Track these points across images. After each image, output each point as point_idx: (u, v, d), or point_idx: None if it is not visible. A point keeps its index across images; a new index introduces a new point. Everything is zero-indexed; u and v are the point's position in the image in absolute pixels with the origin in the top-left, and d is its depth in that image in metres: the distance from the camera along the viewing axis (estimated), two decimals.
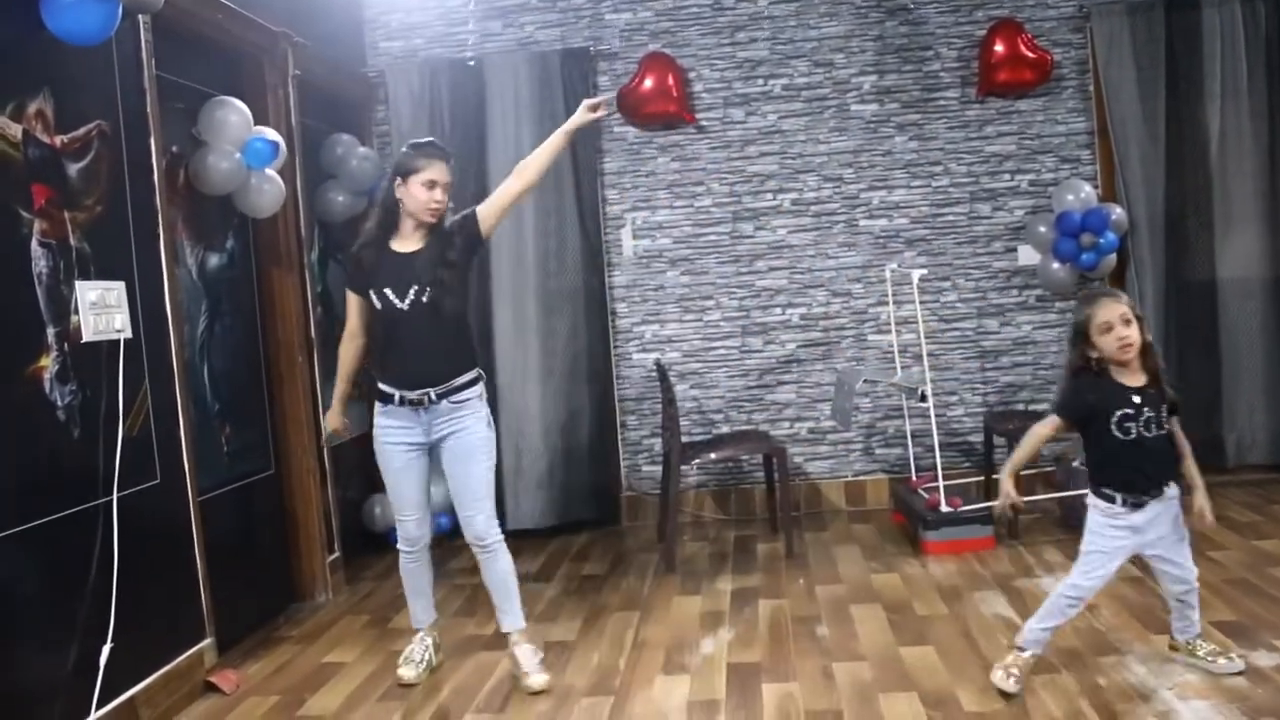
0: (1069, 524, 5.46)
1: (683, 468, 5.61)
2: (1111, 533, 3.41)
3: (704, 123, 6.23)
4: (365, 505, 5.99)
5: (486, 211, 3.90)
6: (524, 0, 6.26)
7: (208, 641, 4.07)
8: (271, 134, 4.61)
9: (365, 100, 6.29)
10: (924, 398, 5.23)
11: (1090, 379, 3.37)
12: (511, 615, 3.95)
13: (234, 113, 4.46)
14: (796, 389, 6.28)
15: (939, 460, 5.36)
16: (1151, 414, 3.31)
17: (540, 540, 5.98)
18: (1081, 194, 5.85)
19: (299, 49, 5.21)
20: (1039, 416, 5.82)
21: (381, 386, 3.88)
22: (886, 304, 6.02)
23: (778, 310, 6.26)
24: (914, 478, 5.85)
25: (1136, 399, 3.31)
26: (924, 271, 5.38)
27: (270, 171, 4.63)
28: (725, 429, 6.24)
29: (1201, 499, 3.46)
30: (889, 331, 6.04)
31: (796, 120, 6.20)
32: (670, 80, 6.04)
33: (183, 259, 4.41)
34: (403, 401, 3.82)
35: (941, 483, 5.29)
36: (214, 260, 4.68)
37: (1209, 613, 3.99)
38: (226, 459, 4.63)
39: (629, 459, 6.34)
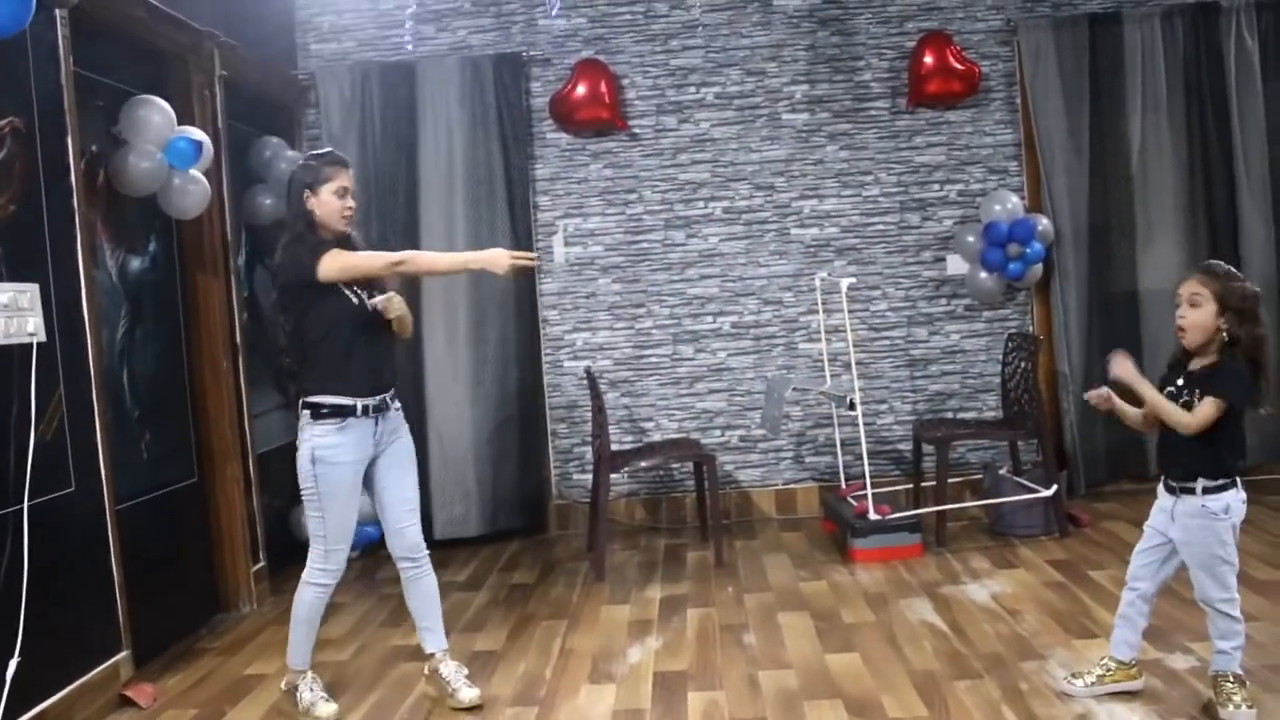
0: (995, 531, 5.53)
1: (613, 476, 5.60)
2: (1153, 509, 3.37)
3: (636, 130, 6.23)
4: (292, 513, 5.88)
5: (342, 263, 3.58)
6: (457, 5, 6.22)
7: (123, 654, 3.97)
8: (196, 134, 4.52)
9: (295, 103, 6.20)
10: (852, 405, 5.26)
11: (1185, 356, 3.30)
12: (438, 634, 3.85)
13: (156, 112, 4.37)
14: (727, 397, 6.29)
15: (868, 468, 5.40)
16: (1186, 399, 3.19)
17: (469, 549, 5.93)
18: (1009, 204, 5.93)
19: (226, 49, 5.13)
20: (967, 425, 5.95)
21: (334, 400, 3.58)
22: (816, 312, 6.06)
23: (709, 318, 6.27)
24: (843, 486, 5.88)
25: (1180, 380, 3.25)
26: (853, 280, 5.42)
27: (195, 172, 4.54)
28: (656, 437, 6.24)
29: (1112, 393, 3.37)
30: (819, 340, 6.08)
31: (728, 128, 6.22)
32: (603, 87, 6.04)
33: (102, 261, 4.31)
34: (365, 411, 3.60)
35: (870, 491, 5.33)
36: (135, 263, 4.58)
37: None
38: (147, 466, 4.53)
39: (559, 467, 6.31)
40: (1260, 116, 6.02)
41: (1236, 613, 3.28)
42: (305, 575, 3.71)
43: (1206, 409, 3.14)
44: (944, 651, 3.93)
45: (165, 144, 4.39)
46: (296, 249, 3.61)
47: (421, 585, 3.83)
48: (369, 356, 3.65)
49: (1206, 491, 3.21)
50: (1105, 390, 3.40)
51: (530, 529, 6.17)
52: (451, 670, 3.80)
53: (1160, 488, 3.37)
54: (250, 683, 4.10)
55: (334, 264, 3.54)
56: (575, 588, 5.14)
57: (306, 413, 3.62)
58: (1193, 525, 3.24)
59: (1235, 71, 6.02)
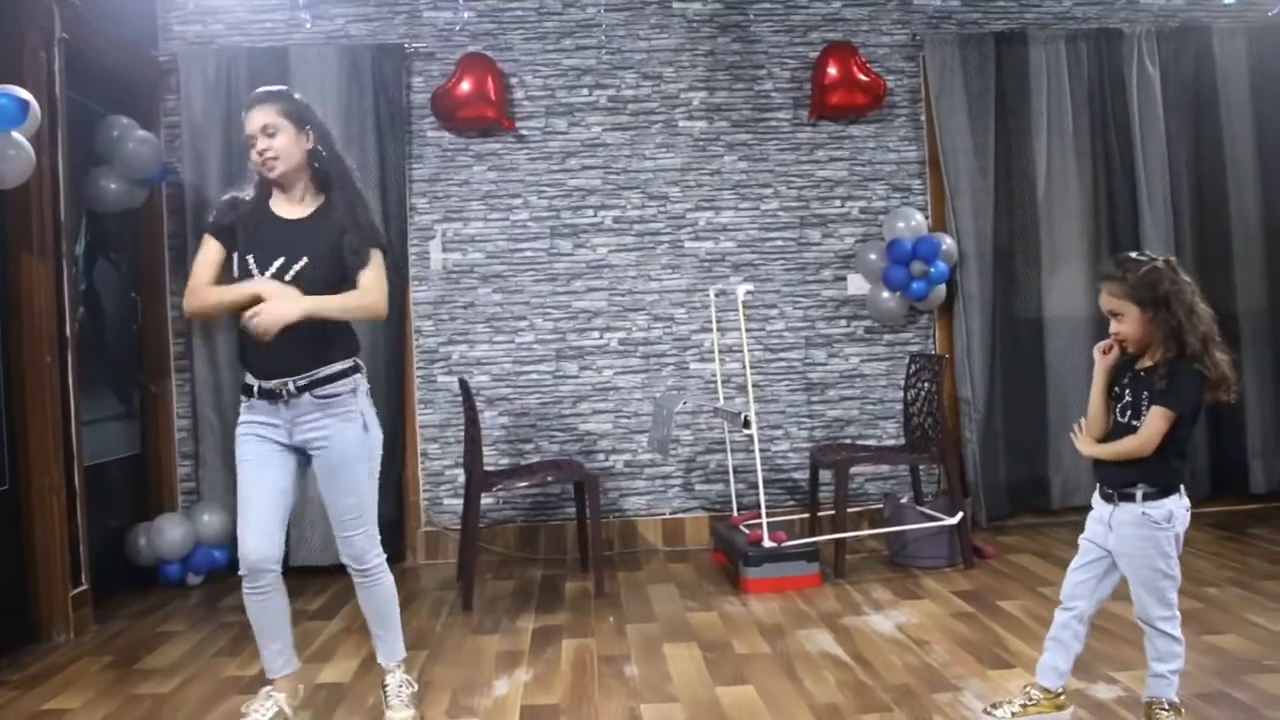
0: (896, 562, 5.20)
1: (487, 500, 5.14)
2: (1088, 521, 3.10)
3: (524, 131, 5.83)
4: (129, 534, 5.31)
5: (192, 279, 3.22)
6: None
7: None
8: (20, 92, 4.00)
9: (154, 85, 5.69)
10: (747, 423, 4.89)
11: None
12: (389, 646, 3.41)
13: None
14: (613, 419, 5.88)
15: (762, 494, 5.01)
16: (1129, 398, 2.94)
17: (326, 577, 5.37)
18: (912, 222, 5.69)
19: (68, 10, 4.62)
20: (867, 449, 5.63)
21: (246, 378, 3.23)
22: (710, 330, 5.70)
23: (595, 334, 5.86)
24: (735, 514, 5.50)
25: (1126, 378, 2.97)
26: (751, 288, 5.05)
27: (17, 136, 4.00)
28: (535, 459, 5.78)
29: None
30: (712, 360, 5.72)
31: (622, 134, 5.87)
32: (489, 84, 5.64)
33: None
34: (261, 393, 3.17)
35: (765, 518, 4.95)
36: None
37: (1041, 646, 3.72)
38: None
39: (429, 491, 5.80)
40: (1162, 144, 5.93)
41: (1177, 632, 2.99)
42: None
43: (1155, 423, 2.86)
44: (848, 683, 3.54)
45: None
46: None
47: (373, 594, 3.38)
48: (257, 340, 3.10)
49: (1147, 498, 2.91)
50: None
51: (394, 558, 5.58)
52: (394, 686, 3.38)
53: (1096, 496, 3.07)
54: (43, 719, 3.51)
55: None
56: (440, 617, 4.65)
57: None
58: (1132, 535, 2.94)
59: (1137, 97, 5.93)
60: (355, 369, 3.26)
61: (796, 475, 5.90)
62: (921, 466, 5.58)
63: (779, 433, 5.92)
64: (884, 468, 5.85)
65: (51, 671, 4.01)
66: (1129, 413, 2.95)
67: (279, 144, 3.16)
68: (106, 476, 5.14)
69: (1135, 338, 2.92)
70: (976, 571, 4.96)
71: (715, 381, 5.70)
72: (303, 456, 3.25)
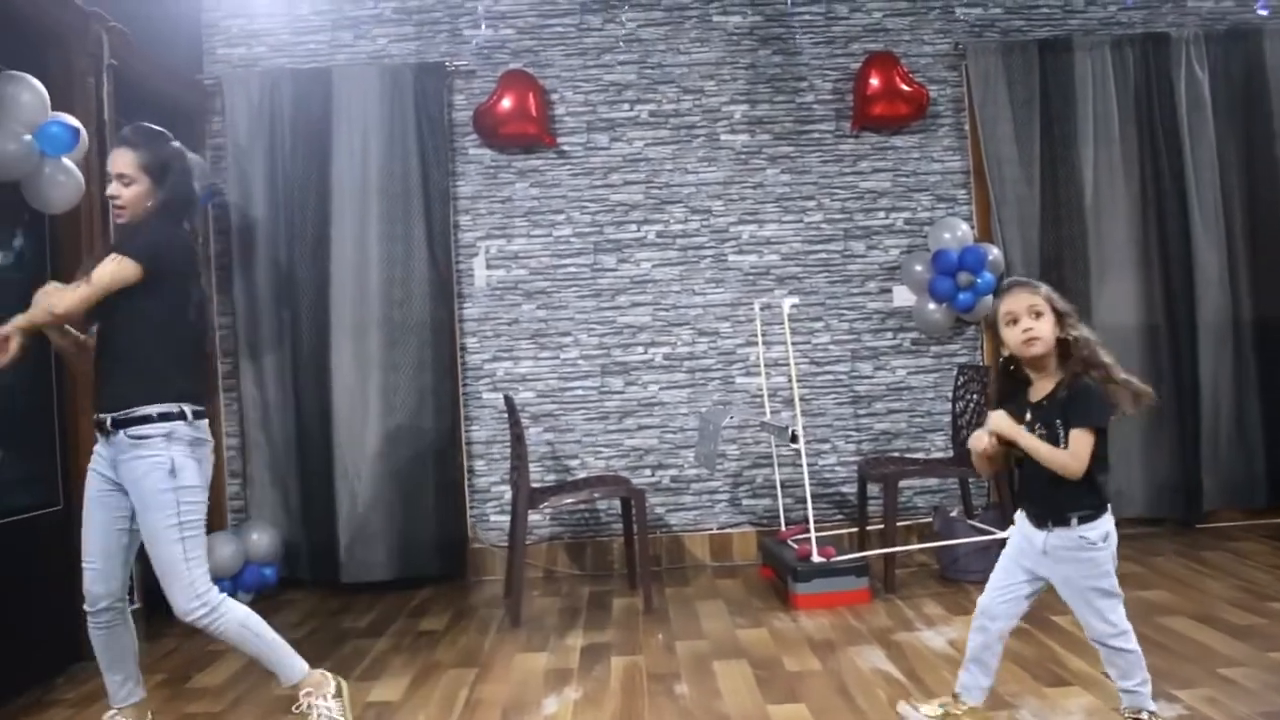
0: (946, 576, 5.13)
1: (534, 516, 5.14)
2: (1014, 536, 3.05)
3: (565, 147, 5.84)
4: None
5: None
6: (378, 11, 5.83)
7: None
8: (71, 120, 4.05)
9: (199, 108, 5.75)
10: (795, 438, 4.85)
11: (1010, 382, 3.02)
12: (283, 672, 3.37)
13: (26, 91, 3.91)
14: (659, 434, 5.86)
15: (810, 508, 4.96)
16: (1043, 431, 2.90)
17: (374, 594, 5.40)
18: (958, 232, 5.63)
19: (117, 37, 4.68)
20: (915, 462, 5.57)
21: None
22: (756, 344, 5.67)
23: (640, 349, 5.85)
24: (783, 529, 5.46)
25: (1029, 415, 2.94)
26: (796, 301, 5.04)
27: (68, 162, 4.06)
28: (581, 475, 5.77)
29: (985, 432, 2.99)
30: (758, 373, 5.69)
31: (663, 148, 5.86)
32: (530, 101, 5.66)
33: None
34: (95, 424, 3.24)
35: (813, 533, 4.91)
36: None
37: (1101, 663, 3.65)
38: None
39: (476, 508, 5.80)
40: (1211, 148, 5.83)
41: (1132, 645, 2.97)
42: None
43: (1082, 442, 2.84)
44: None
45: (35, 127, 3.92)
46: None
47: (226, 639, 3.31)
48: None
49: (1083, 521, 2.90)
50: (988, 438, 2.99)
51: (446, 574, 5.64)
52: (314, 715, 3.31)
53: (1024, 522, 3.03)
54: None
55: None
56: (488, 635, 4.64)
57: None
58: (1072, 559, 2.93)
59: (1186, 102, 5.85)
60: (175, 415, 3.19)
61: (844, 489, 5.84)
62: (971, 479, 5.50)
63: (826, 446, 5.87)
64: (933, 480, 5.78)
65: (105, 691, 4.03)
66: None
67: (126, 194, 3.26)
68: None
69: (1045, 340, 2.89)
70: None
71: (761, 395, 5.67)
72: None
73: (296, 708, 3.35)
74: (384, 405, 5.60)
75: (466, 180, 5.83)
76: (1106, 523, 2.95)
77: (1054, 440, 2.88)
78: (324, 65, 5.75)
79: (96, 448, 3.27)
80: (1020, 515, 3.06)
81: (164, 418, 3.17)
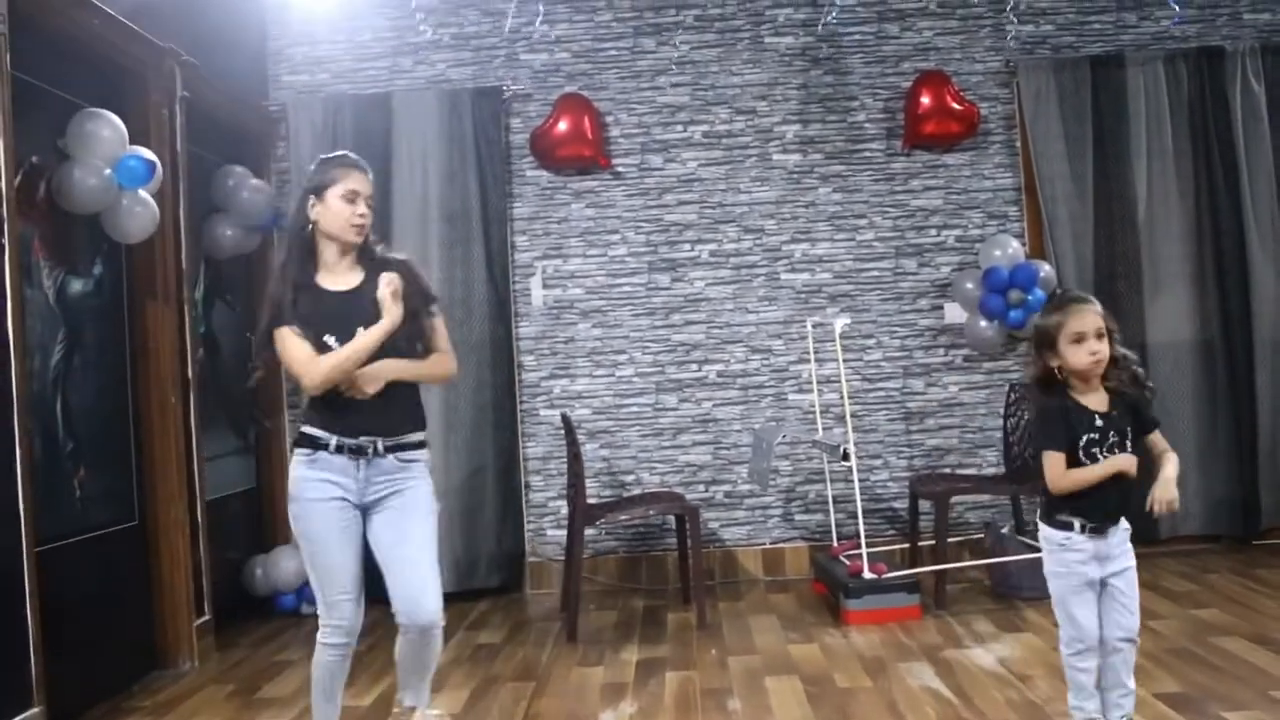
0: (998, 593, 5.17)
1: (589, 530, 5.25)
2: (1076, 566, 3.04)
3: (620, 168, 5.96)
4: (246, 565, 5.53)
5: (286, 352, 3.15)
6: (437, 37, 5.97)
7: (35, 711, 3.55)
8: (147, 154, 4.24)
9: (265, 134, 5.94)
10: (846, 456, 4.92)
11: (1058, 400, 3.04)
12: (419, 692, 3.41)
13: (106, 126, 4.10)
14: (713, 450, 5.94)
15: (862, 525, 5.03)
16: (1117, 438, 2.98)
17: None
18: (1009, 250, 5.67)
19: (189, 70, 4.86)
20: (967, 479, 5.61)
21: (308, 430, 3.17)
22: (808, 361, 5.74)
23: (694, 366, 5.94)
24: (835, 545, 5.52)
25: (1100, 423, 2.99)
26: (848, 320, 5.12)
27: (144, 194, 4.24)
28: (636, 491, 5.87)
29: (1161, 488, 2.98)
30: (810, 390, 5.76)
31: (717, 168, 5.96)
32: (586, 123, 5.78)
33: (38, 280, 3.98)
34: (340, 449, 3.13)
35: (865, 549, 4.97)
36: (77, 285, 4.25)
37: (1151, 683, 3.70)
38: (79, 505, 4.15)
39: (534, 522, 5.93)
40: (1269, 163, 5.81)
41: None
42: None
43: (1163, 443, 3.09)
44: (950, 719, 3.55)
45: (114, 161, 4.11)
46: (272, 290, 3.24)
47: (418, 651, 3.29)
48: (343, 402, 3.12)
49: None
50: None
51: (505, 587, 5.78)
52: None
53: (1076, 535, 3.04)
54: None
55: (281, 344, 3.14)
56: (545, 648, 4.75)
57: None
58: (1130, 551, 3.08)
59: (1241, 117, 5.83)
60: (426, 444, 3.29)
61: (896, 505, 5.89)
62: (1023, 496, 5.53)
63: (878, 462, 5.93)
64: (984, 497, 5.81)
65: (180, 699, 4.21)
66: (1118, 450, 2.98)
67: (370, 213, 3.25)
68: (226, 510, 5.36)
69: (1106, 361, 2.97)
70: None
71: (813, 412, 5.73)
72: (365, 513, 3.23)
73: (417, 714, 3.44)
74: (444, 422, 5.73)
75: (523, 202, 5.97)
76: None
77: (1123, 448, 2.98)
78: (384, 90, 5.91)
79: (321, 471, 3.15)
80: (1072, 539, 3.05)
81: (424, 445, 3.29)
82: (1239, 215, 5.79)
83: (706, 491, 5.94)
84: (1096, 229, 5.83)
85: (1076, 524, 3.02)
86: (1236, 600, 4.80)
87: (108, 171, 4.07)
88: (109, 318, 4.47)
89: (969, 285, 5.75)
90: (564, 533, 5.70)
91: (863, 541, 5.00)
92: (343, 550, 3.15)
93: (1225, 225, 5.81)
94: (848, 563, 5.11)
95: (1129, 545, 3.05)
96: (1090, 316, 2.96)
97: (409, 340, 3.22)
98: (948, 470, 5.86)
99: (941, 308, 5.94)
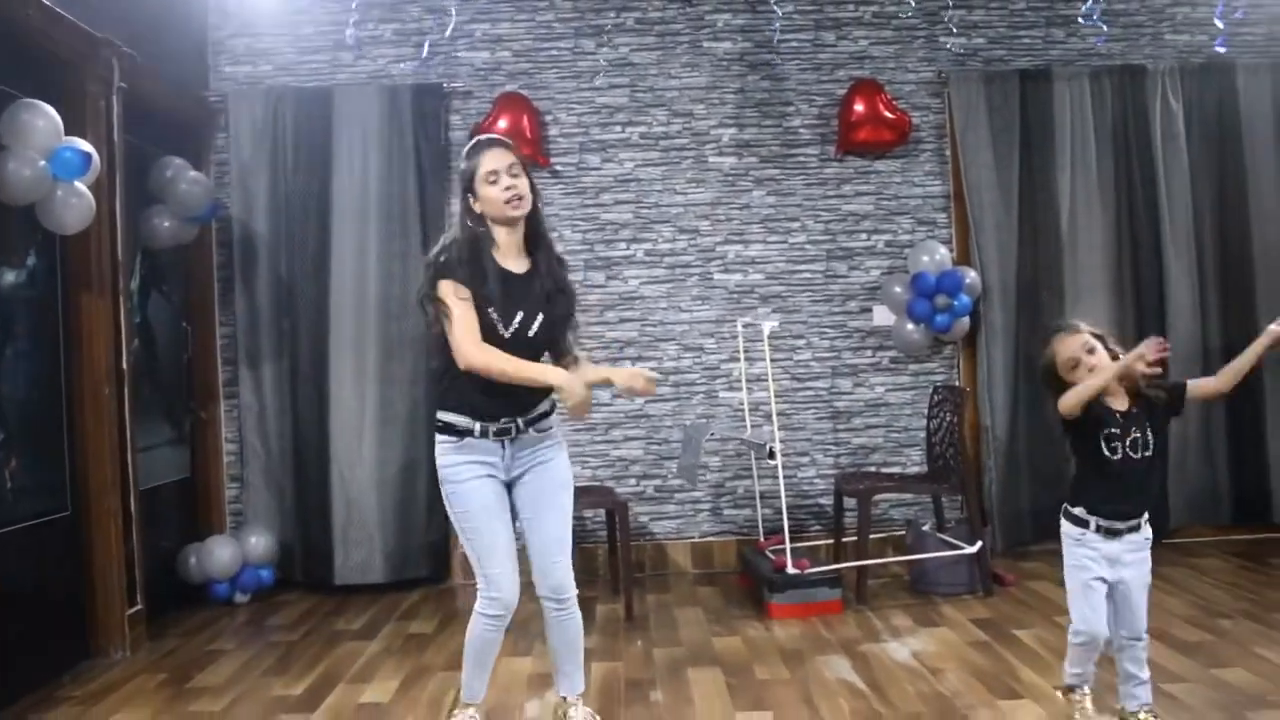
0: (917, 589, 5.34)
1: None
2: (1087, 563, 3.22)
3: (558, 167, 6.05)
4: (180, 555, 5.55)
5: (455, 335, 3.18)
6: (378, 33, 6.02)
7: None
8: (83, 144, 4.25)
9: (204, 125, 5.95)
10: (772, 454, 5.06)
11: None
12: (572, 679, 3.51)
13: (41, 117, 4.10)
14: (644, 445, 6.07)
15: (787, 522, 5.18)
16: (1138, 435, 3.19)
17: (368, 596, 5.61)
18: (937, 256, 5.83)
19: (126, 60, 4.86)
20: (890, 478, 5.77)
21: (450, 418, 3.28)
22: (738, 360, 5.87)
23: (627, 363, 6.03)
24: (762, 539, 5.67)
25: (1120, 419, 3.20)
26: (775, 325, 5.24)
27: (80, 185, 4.25)
28: None
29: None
30: (740, 389, 5.89)
31: (653, 169, 6.07)
32: (525, 121, 5.86)
33: None
34: (484, 433, 3.25)
35: (789, 545, 5.12)
36: (9, 277, 4.25)
37: (1053, 676, 3.87)
38: (10, 496, 4.16)
39: None
40: (1185, 178, 6.04)
41: None
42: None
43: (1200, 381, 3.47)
44: (861, 711, 3.70)
45: (49, 153, 4.12)
46: (430, 267, 3.28)
47: (566, 627, 3.43)
48: (488, 385, 3.18)
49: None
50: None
51: (435, 577, 5.86)
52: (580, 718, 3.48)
53: (1092, 534, 3.23)
54: None
55: (447, 303, 3.17)
56: None
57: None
58: (1144, 559, 3.29)
59: (1161, 133, 6.04)
60: (555, 407, 3.39)
61: (822, 500, 6.05)
62: (944, 495, 5.70)
63: (805, 459, 6.08)
64: (907, 495, 5.98)
65: (111, 688, 4.24)
66: (1139, 449, 3.20)
67: (524, 185, 3.23)
68: (159, 500, 5.38)
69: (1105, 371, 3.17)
70: (995, 599, 5.10)
71: (743, 410, 5.87)
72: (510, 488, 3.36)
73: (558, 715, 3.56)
74: (379, 416, 5.80)
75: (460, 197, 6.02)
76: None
77: (1145, 445, 3.22)
78: (326, 85, 5.95)
79: (473, 455, 3.27)
80: (1086, 536, 3.23)
81: (554, 411, 3.40)
82: (1156, 227, 6.02)
83: (638, 486, 6.05)
84: (1021, 237, 6.02)
85: (1092, 523, 3.21)
86: None
87: (42, 163, 4.07)
88: (43, 308, 4.48)
89: (897, 289, 5.91)
90: None
91: (787, 537, 5.14)
92: (500, 522, 3.30)
93: (1143, 238, 6.04)
94: (773, 558, 5.25)
95: (1147, 553, 3.25)
96: (1074, 339, 3.23)
97: (556, 337, 3.35)
98: (872, 469, 6.03)
99: (870, 310, 6.10)
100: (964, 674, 4.04)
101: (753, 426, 5.78)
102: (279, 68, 6.03)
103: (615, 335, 6.05)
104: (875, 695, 3.85)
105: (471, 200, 3.28)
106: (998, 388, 5.96)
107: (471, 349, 3.14)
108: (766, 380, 5.33)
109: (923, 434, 5.93)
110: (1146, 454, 3.21)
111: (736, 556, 5.92)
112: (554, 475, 3.38)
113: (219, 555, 5.50)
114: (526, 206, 3.24)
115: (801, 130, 6.11)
